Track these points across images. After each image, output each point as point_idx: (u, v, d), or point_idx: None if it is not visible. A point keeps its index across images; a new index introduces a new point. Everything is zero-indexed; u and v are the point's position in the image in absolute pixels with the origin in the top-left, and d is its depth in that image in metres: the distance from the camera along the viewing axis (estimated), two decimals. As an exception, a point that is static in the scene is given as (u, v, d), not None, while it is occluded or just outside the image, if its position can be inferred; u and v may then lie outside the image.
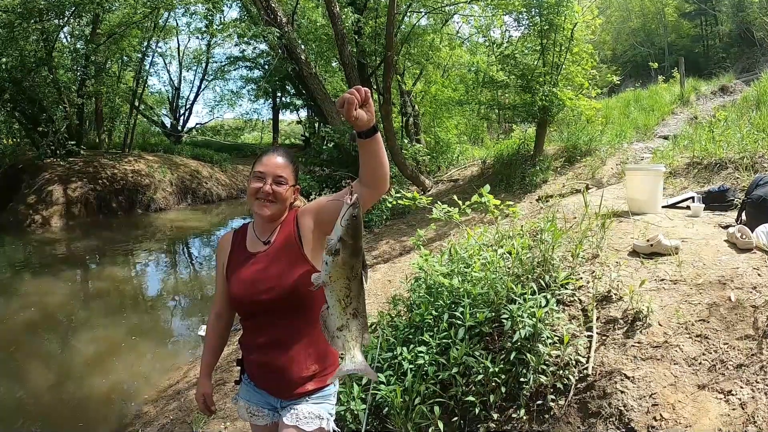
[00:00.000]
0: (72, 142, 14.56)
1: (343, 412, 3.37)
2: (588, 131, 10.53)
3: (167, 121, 26.10)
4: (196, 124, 28.48)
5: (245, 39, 13.53)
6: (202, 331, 4.15)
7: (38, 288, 8.71)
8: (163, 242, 12.84)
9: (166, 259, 11.47)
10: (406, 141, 12.80)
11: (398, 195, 4.65)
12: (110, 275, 9.72)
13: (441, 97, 13.65)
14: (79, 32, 16.55)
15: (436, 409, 3.12)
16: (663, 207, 5.48)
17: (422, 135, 14.25)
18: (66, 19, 15.13)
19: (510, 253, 3.84)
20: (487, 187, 3.97)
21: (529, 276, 3.70)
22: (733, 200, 5.35)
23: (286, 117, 29.92)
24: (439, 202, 4.37)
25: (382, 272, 6.34)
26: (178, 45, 25.41)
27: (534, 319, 3.19)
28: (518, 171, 9.10)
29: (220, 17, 18.97)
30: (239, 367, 2.30)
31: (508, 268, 3.74)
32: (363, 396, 3.30)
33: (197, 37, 24.16)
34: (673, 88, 15.19)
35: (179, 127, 25.24)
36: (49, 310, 7.69)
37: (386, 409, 3.23)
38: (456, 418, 3.21)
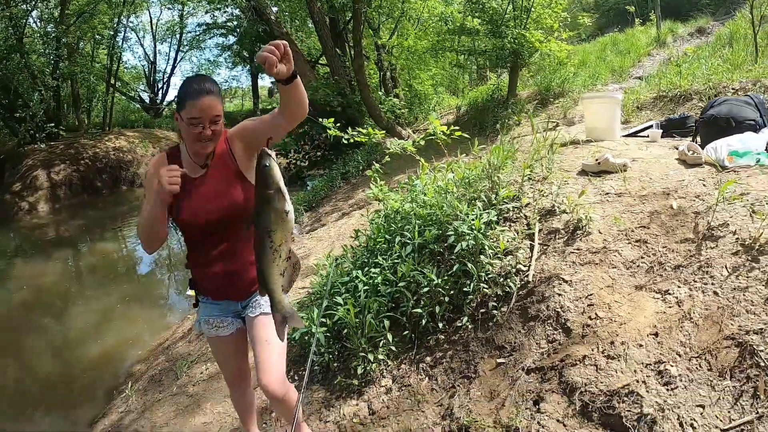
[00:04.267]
0: (51, 125, 14.39)
1: (307, 337, 3.55)
2: (561, 74, 10.54)
3: (146, 96, 25.75)
4: (175, 97, 28.15)
5: (215, 4, 13.33)
6: (189, 291, 4.29)
7: (31, 271, 8.84)
8: None
9: None
10: (381, 94, 12.75)
11: (354, 132, 4.70)
12: (100, 251, 9.88)
13: (416, 48, 13.55)
14: (48, 15, 16.32)
15: (386, 322, 3.31)
16: (624, 136, 5.57)
17: (399, 88, 14.19)
18: (34, 2, 14.93)
19: (461, 178, 3.95)
20: (434, 114, 4.06)
21: (476, 196, 3.82)
22: (693, 127, 5.40)
23: (266, 82, 29.58)
24: (394, 138, 4.48)
25: (356, 218, 6.48)
26: (150, 18, 24.80)
27: (474, 231, 3.33)
28: (491, 116, 9.15)
29: None
30: (193, 291, 2.50)
31: (459, 191, 3.87)
32: (322, 320, 3.50)
33: (169, 8, 23.62)
34: (650, 31, 15.08)
35: (158, 101, 24.96)
36: (43, 289, 7.87)
37: (345, 330, 3.39)
38: (407, 332, 3.38)
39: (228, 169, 2.29)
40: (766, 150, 3.89)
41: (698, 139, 4.80)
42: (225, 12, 20.56)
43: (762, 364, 2.31)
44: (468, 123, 9.64)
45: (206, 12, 20.29)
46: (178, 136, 2.37)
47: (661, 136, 5.30)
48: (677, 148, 4.35)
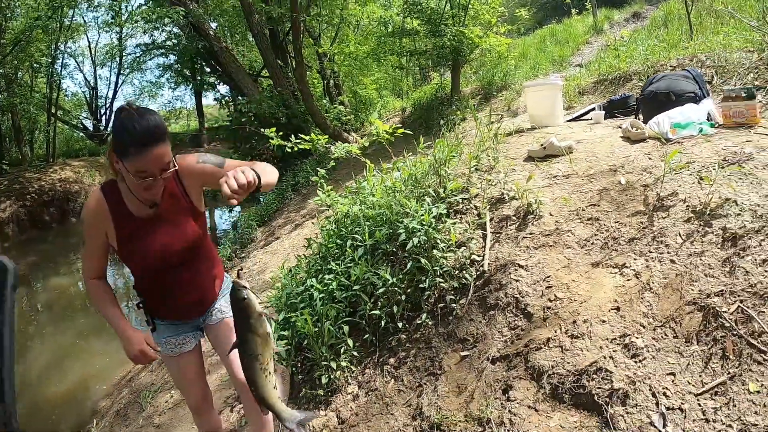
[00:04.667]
0: (-7, 161, 13.83)
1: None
2: (503, 68, 10.64)
3: (89, 124, 25.03)
4: (112, 135, 27.44)
5: (153, 24, 13.08)
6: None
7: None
8: None
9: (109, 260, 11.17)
10: (326, 102, 12.69)
11: (297, 141, 4.60)
12: (54, 286, 9.54)
13: (358, 54, 13.56)
14: (-19, 46, 15.66)
15: (346, 328, 3.22)
16: (567, 121, 5.64)
17: (344, 95, 14.17)
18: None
19: (408, 176, 3.90)
20: (375, 114, 4.01)
21: (425, 192, 3.78)
22: (635, 105, 5.49)
23: (211, 101, 29.13)
24: (339, 142, 4.42)
25: (309, 227, 6.36)
26: (89, 42, 24.20)
27: (424, 226, 3.27)
28: (436, 114, 9.16)
29: (126, 6, 18.27)
30: (148, 318, 2.38)
31: (407, 189, 3.81)
32: (282, 333, 3.42)
33: (107, 31, 23.07)
34: (587, 20, 15.42)
35: (102, 128, 24.30)
36: None
37: (305, 341, 3.29)
38: (368, 335, 3.30)
39: (179, 206, 2.17)
40: (707, 120, 3.96)
41: (641, 116, 4.88)
42: (163, 31, 20.21)
43: (727, 325, 2.32)
44: (414, 123, 9.65)
45: (144, 32, 19.86)
46: (111, 169, 2.04)
47: (604, 117, 5.38)
48: (620, 127, 4.40)
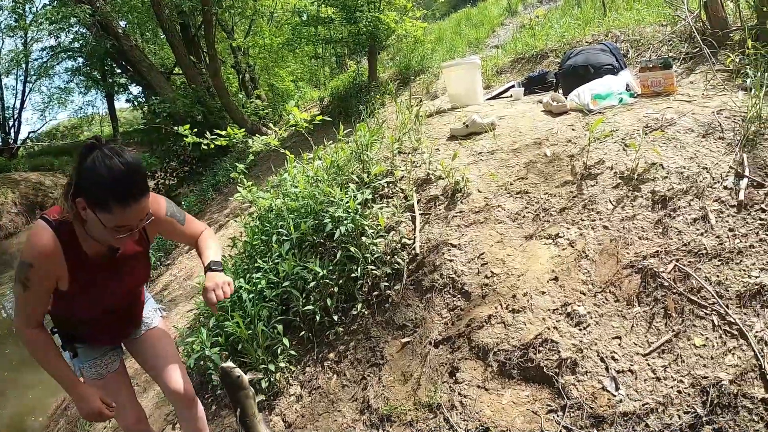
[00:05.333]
0: None
1: (203, 361, 3.22)
2: (419, 52, 10.63)
3: (-4, 138, 23.52)
4: (29, 132, 26.01)
5: (59, 25, 12.33)
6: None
7: None
8: None
9: None
10: (242, 97, 12.35)
11: (213, 137, 4.36)
12: None
13: (272, 45, 13.26)
14: None
15: (279, 327, 3.07)
16: (487, 99, 5.64)
17: (260, 89, 13.86)
18: None
19: (330, 164, 3.77)
20: (292, 103, 3.86)
21: (348, 179, 3.68)
22: (553, 81, 5.56)
23: (123, 104, 27.91)
24: (257, 136, 4.23)
25: (234, 227, 6.11)
26: (-9, 49, 22.74)
27: (350, 213, 3.16)
28: (354, 102, 9.04)
29: (31, 8, 17.13)
30: (66, 344, 2.23)
31: (330, 177, 3.68)
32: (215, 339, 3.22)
33: (10, 36, 21.59)
34: (501, 2, 15.64)
35: (11, 141, 22.84)
36: None
37: (239, 345, 3.10)
38: (303, 332, 3.16)
39: (137, 249, 2.07)
40: (626, 90, 4.06)
41: (560, 90, 4.93)
42: (70, 32, 19.11)
43: (666, 284, 2.38)
44: (333, 113, 9.47)
45: (50, 34, 18.71)
46: (67, 212, 1.82)
47: (524, 94, 5.42)
48: (541, 102, 4.43)
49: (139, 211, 1.74)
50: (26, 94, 24.10)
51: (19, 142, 23.10)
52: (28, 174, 18.05)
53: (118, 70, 20.08)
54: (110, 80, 21.58)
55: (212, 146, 4.45)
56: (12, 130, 23.56)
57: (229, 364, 2.06)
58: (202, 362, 3.24)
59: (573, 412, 2.14)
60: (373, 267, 3.14)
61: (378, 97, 8.30)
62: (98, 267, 1.93)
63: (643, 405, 2.04)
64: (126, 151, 1.73)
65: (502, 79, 7.42)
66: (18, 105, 23.94)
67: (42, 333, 1.96)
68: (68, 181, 1.78)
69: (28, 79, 23.95)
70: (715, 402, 1.93)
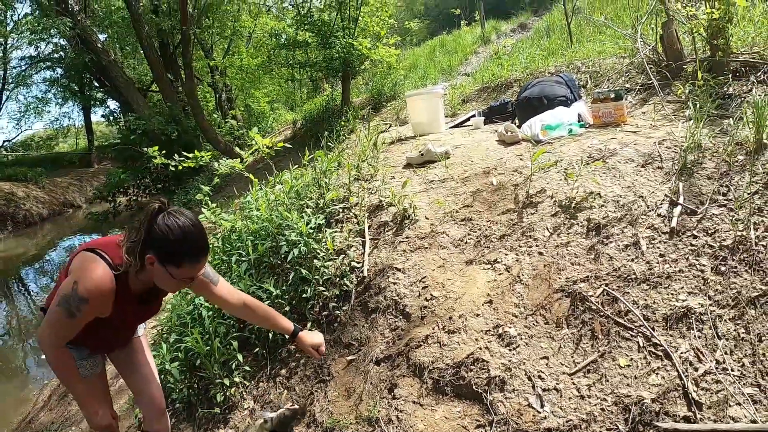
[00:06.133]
0: None
1: (163, 375, 3.34)
2: (392, 78, 10.88)
3: (-28, 146, 23.17)
4: (4, 141, 25.64)
5: (39, 35, 12.37)
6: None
7: None
8: None
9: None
10: (217, 116, 12.47)
11: (181, 159, 4.53)
12: None
13: (249, 66, 13.43)
14: None
15: (235, 344, 3.22)
16: (450, 128, 5.85)
17: (236, 109, 13.97)
18: None
19: (290, 188, 3.96)
20: (255, 129, 4.04)
21: (305, 203, 3.86)
22: (512, 110, 5.74)
23: (99, 117, 27.76)
24: (223, 158, 4.41)
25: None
26: (-29, 55, 22.45)
27: (303, 237, 3.34)
28: (326, 126, 9.20)
29: (12, 15, 17.06)
30: None
31: (289, 201, 3.86)
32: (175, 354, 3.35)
33: (-11, 43, 21.39)
34: (476, 31, 15.99)
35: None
36: None
37: (197, 360, 3.25)
38: (258, 349, 3.30)
39: (165, 292, 2.27)
40: (578, 121, 4.23)
41: (516, 120, 5.15)
42: (50, 42, 19.05)
43: (594, 307, 2.51)
44: (305, 136, 9.63)
45: (30, 43, 18.61)
46: (133, 263, 1.98)
47: (484, 123, 5.62)
48: (497, 131, 4.59)
49: (204, 265, 2.03)
50: (2, 102, 23.75)
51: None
52: (0, 183, 17.80)
53: (96, 84, 20.05)
54: (88, 93, 21.50)
55: (180, 167, 4.60)
56: (-12, 138, 23.13)
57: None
58: (162, 376, 3.37)
59: (500, 427, 2.27)
60: (324, 288, 3.32)
61: (344, 122, 8.49)
62: (136, 305, 2.14)
63: (566, 422, 2.16)
64: (186, 211, 1.99)
65: (468, 108, 7.63)
66: (-7, 112, 23.62)
67: (67, 352, 2.10)
68: (135, 237, 1.94)
69: (5, 86, 23.66)
70: (636, 419, 2.04)
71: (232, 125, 12.06)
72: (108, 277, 1.93)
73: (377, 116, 9.41)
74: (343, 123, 8.41)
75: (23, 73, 23.42)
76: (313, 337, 2.46)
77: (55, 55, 20.38)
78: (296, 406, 2.87)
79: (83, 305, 1.90)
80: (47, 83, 23.72)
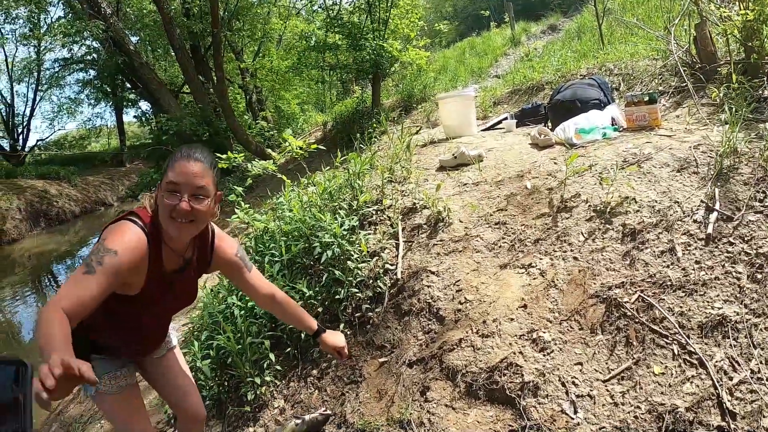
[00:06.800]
0: None
1: (193, 372, 3.38)
2: (422, 80, 10.86)
3: (5, 144, 23.71)
4: (38, 140, 26.20)
5: (72, 38, 12.64)
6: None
7: None
8: (24, 275, 11.67)
9: (29, 291, 10.46)
10: (247, 118, 12.58)
11: (217, 159, 4.56)
12: None
13: (279, 68, 13.54)
14: None
15: (267, 343, 3.23)
16: (482, 130, 5.81)
17: (266, 111, 14.09)
18: None
19: (323, 190, 3.98)
20: (289, 131, 4.07)
21: (338, 205, 3.86)
22: (545, 113, 5.68)
23: (131, 117, 28.20)
24: (256, 160, 4.45)
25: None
26: (5, 56, 22.97)
27: (337, 239, 3.35)
28: (357, 127, 9.21)
29: (45, 18, 17.44)
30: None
31: (322, 203, 3.88)
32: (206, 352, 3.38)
33: (24, 45, 21.90)
34: (506, 32, 15.88)
35: (19, 148, 23.02)
36: None
37: (229, 358, 3.28)
38: (289, 349, 3.32)
39: (200, 271, 2.10)
40: (611, 125, 4.17)
41: (549, 123, 5.10)
42: (83, 45, 19.45)
43: (629, 314, 2.48)
44: (336, 137, 9.66)
45: (63, 46, 19.04)
46: (150, 206, 1.87)
47: (516, 126, 5.57)
48: (530, 134, 4.57)
49: (189, 173, 1.72)
50: (36, 102, 24.21)
51: (26, 150, 23.23)
52: (34, 181, 18.01)
53: (128, 86, 20.37)
54: (120, 94, 21.83)
55: (212, 168, 4.64)
56: (20, 137, 23.65)
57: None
58: (193, 373, 3.40)
59: None
60: (357, 290, 3.32)
61: (375, 124, 8.50)
62: (168, 278, 1.93)
63: (600, 429, 2.14)
64: (203, 146, 1.87)
65: (499, 110, 7.60)
66: (28, 113, 24.13)
67: (65, 318, 1.47)
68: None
69: (39, 87, 24.08)
70: (670, 428, 2.02)
71: (262, 126, 12.17)
72: (139, 234, 1.77)
73: (408, 118, 9.41)
74: (374, 125, 8.41)
75: (56, 74, 23.88)
76: (335, 337, 2.33)
77: (88, 57, 20.73)
78: (329, 412, 2.88)
79: (109, 256, 1.64)
80: (80, 84, 24.17)
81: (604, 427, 2.15)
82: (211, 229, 2.07)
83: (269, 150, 5.07)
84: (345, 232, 3.47)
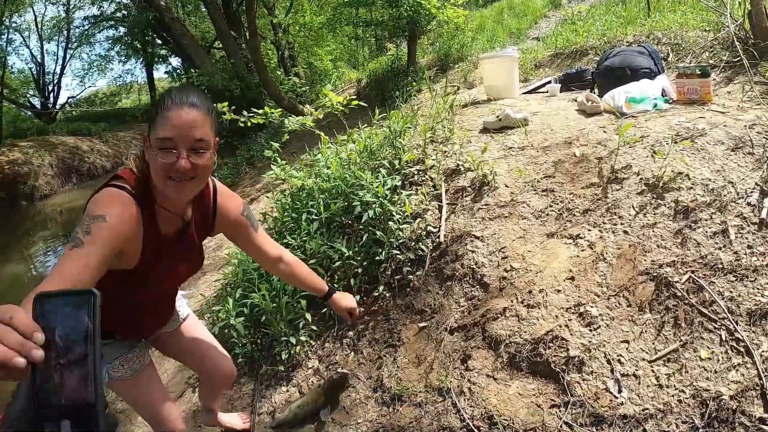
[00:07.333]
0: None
1: (227, 330, 3.36)
2: (459, 39, 10.58)
3: (36, 102, 24.01)
4: (68, 98, 26.48)
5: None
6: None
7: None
8: (56, 229, 11.84)
9: (61, 246, 10.54)
10: (280, 74, 12.45)
11: (250, 115, 4.46)
12: (7, 276, 9.02)
13: (313, 24, 13.30)
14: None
15: (303, 302, 3.18)
16: (523, 93, 5.62)
17: (298, 67, 13.92)
18: None
19: (363, 148, 3.86)
20: (329, 86, 3.93)
21: (379, 164, 3.74)
22: (590, 79, 5.47)
23: (161, 74, 28.27)
24: (292, 116, 4.34)
25: (264, 202, 6.24)
26: (35, 16, 23.07)
27: (379, 198, 3.24)
28: (392, 85, 9.05)
29: None
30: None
31: (362, 161, 3.76)
32: (240, 309, 3.35)
33: (53, 3, 21.96)
34: (546, -7, 15.40)
35: (50, 105, 23.29)
36: None
37: (263, 317, 3.23)
38: (325, 309, 3.27)
39: (202, 235, 1.87)
40: (662, 96, 3.99)
41: (596, 90, 4.90)
42: (112, 2, 19.39)
43: (678, 294, 2.37)
44: (369, 95, 9.51)
45: (93, 3, 18.99)
46: (139, 161, 1.63)
47: (560, 91, 5.38)
48: (576, 100, 4.40)
49: (184, 122, 1.47)
50: (66, 60, 24.49)
51: (57, 107, 23.50)
52: (65, 138, 18.20)
53: (159, 42, 20.34)
54: (150, 51, 21.85)
55: (249, 123, 4.55)
56: (51, 95, 24.00)
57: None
58: (226, 330, 3.38)
59: (575, 409, 2.18)
60: (398, 252, 3.23)
61: (414, 83, 8.30)
62: (166, 243, 1.71)
63: (643, 410, 2.06)
64: (195, 88, 1.60)
65: (540, 74, 7.37)
66: (58, 71, 24.39)
67: None
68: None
69: (69, 45, 24.31)
70: (713, 415, 1.95)
71: (294, 83, 12.02)
72: (127, 197, 1.53)
73: (444, 78, 9.18)
74: (412, 83, 8.22)
75: (86, 32, 23.91)
76: (346, 299, 2.19)
77: (118, 14, 20.71)
78: (346, 371, 2.81)
79: (96, 223, 1.41)
80: (110, 41, 24.21)
81: (647, 409, 2.07)
82: (213, 186, 1.85)
83: (302, 106, 4.95)
84: (387, 192, 3.35)
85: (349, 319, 2.28)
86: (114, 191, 1.53)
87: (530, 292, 2.69)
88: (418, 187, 3.66)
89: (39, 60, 23.64)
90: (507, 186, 3.37)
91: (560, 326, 2.48)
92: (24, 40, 23.09)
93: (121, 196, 1.52)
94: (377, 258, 3.23)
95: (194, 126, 1.48)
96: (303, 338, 3.17)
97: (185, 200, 1.69)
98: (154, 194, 1.62)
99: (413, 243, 3.28)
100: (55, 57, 25.07)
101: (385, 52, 13.69)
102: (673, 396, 2.07)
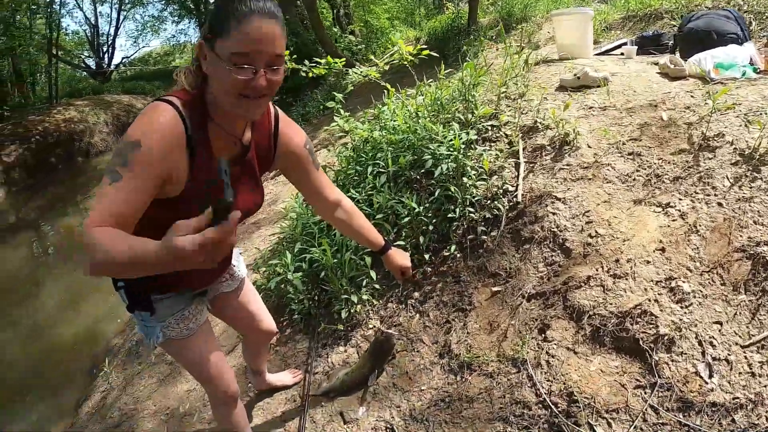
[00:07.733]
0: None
1: (283, 285, 3.26)
2: (523, -1, 10.16)
3: (91, 62, 24.52)
4: (123, 58, 27.03)
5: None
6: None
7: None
8: None
9: None
10: (336, 31, 12.22)
11: (312, 65, 4.27)
12: (64, 228, 9.27)
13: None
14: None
15: (368, 259, 3.03)
16: (596, 54, 5.32)
17: (354, 24, 13.67)
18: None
19: (433, 100, 3.64)
20: (398, 35, 3.73)
21: (451, 117, 3.53)
22: (668, 44, 5.21)
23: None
24: (358, 65, 4.14)
25: (321, 157, 6.13)
26: (88, -22, 23.48)
27: (454, 152, 3.04)
28: (452, 45, 8.74)
29: None
30: (140, 299, 1.74)
31: (431, 114, 3.56)
32: (298, 264, 3.23)
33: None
34: (616, -47, 14.66)
35: (104, 66, 23.73)
36: (10, 276, 7.24)
37: (322, 273, 3.10)
38: (389, 267, 3.11)
39: (262, 165, 1.67)
40: (750, 64, 3.72)
41: (678, 53, 4.59)
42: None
43: None
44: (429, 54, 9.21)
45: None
46: (191, 74, 1.44)
47: (636, 53, 5.06)
48: (657, 63, 4.12)
49: (264, 35, 1.27)
50: (120, 21, 25.05)
51: (112, 67, 23.96)
52: (120, 96, 18.58)
53: (212, 0, 20.26)
54: (203, 10, 21.88)
55: (309, 74, 4.37)
56: (106, 56, 24.55)
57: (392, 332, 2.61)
58: (282, 286, 3.27)
59: (662, 392, 2.01)
60: (471, 210, 3.03)
61: (474, 41, 7.96)
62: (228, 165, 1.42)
63: (733, 398, 1.90)
64: None
65: (611, 36, 7.01)
66: (112, 32, 24.89)
67: (113, 230, 1.19)
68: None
69: (122, 7, 24.72)
70: None
71: (350, 40, 11.76)
72: (170, 111, 1.34)
73: (508, 37, 8.83)
74: (475, 41, 7.88)
75: (139, -8, 24.23)
76: (401, 256, 2.05)
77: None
78: (392, 331, 2.63)
79: (132, 153, 1.26)
80: (163, 2, 24.44)
81: (737, 398, 1.90)
82: (275, 112, 1.66)
83: (359, 63, 4.76)
84: (462, 146, 3.13)
85: (400, 279, 2.13)
86: (159, 107, 1.35)
87: (617, 261, 2.48)
88: (493, 144, 3.44)
89: (93, 22, 24.13)
90: (590, 146, 3.13)
91: (649, 300, 2.28)
92: (77, 2, 23.59)
93: (164, 111, 1.34)
94: (449, 215, 3.04)
95: (274, 40, 1.29)
96: (365, 297, 3.03)
97: (256, 118, 1.51)
98: (209, 111, 1.43)
99: (488, 201, 3.07)
100: (109, 19, 25.59)
101: (443, 11, 13.30)
102: (765, 386, 1.90)
